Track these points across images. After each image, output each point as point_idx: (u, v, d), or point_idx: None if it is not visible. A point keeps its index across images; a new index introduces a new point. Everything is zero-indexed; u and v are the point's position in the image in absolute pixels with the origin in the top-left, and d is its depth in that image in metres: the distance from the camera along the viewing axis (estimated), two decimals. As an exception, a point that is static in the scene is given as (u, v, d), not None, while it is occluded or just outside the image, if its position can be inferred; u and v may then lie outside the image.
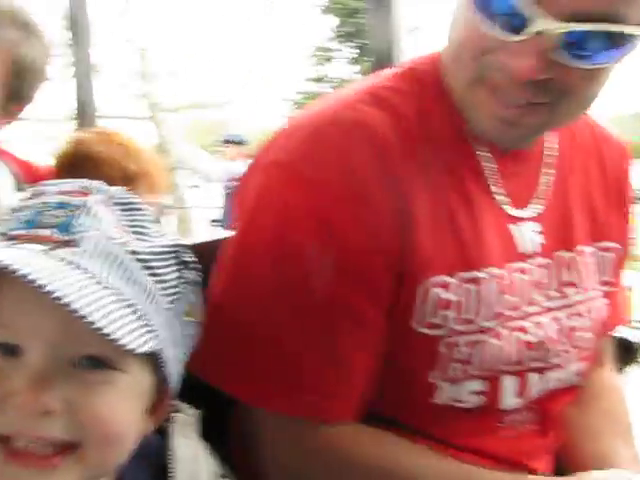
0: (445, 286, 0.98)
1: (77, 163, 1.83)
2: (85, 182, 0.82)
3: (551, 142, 1.13)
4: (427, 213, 0.98)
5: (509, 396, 1.07)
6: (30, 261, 0.68)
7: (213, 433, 0.96)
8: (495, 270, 1.02)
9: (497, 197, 1.05)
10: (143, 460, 0.83)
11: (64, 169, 1.84)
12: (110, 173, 1.80)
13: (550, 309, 1.09)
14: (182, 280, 0.83)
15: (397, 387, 1.00)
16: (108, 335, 0.68)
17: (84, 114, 2.35)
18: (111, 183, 1.77)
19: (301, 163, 0.98)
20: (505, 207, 1.06)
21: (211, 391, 0.98)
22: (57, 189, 0.79)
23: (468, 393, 1.04)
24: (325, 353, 0.96)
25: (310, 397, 0.96)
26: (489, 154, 1.05)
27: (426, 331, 0.98)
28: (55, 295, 0.66)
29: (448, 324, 0.99)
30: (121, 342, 0.69)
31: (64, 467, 0.72)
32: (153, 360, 0.77)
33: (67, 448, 0.72)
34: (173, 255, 0.82)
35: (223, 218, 7.76)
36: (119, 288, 0.73)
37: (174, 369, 0.81)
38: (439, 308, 0.98)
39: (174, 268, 0.82)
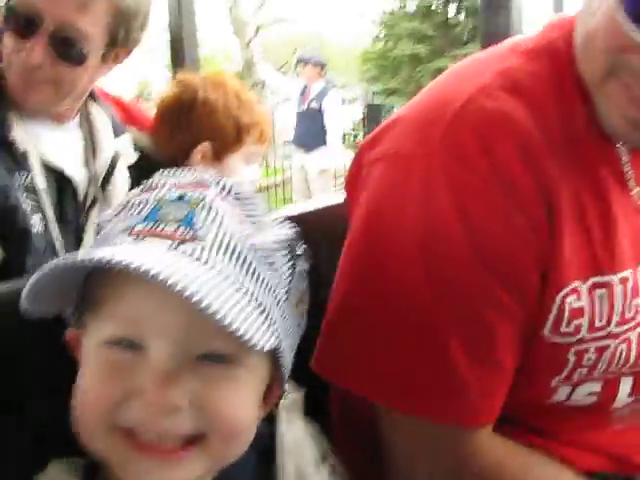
0: (577, 293, 0.93)
1: (186, 108, 1.80)
2: (200, 175, 0.80)
3: None
4: (566, 214, 0.92)
5: (623, 396, 1.03)
6: (159, 259, 0.67)
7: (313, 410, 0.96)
8: (626, 273, 0.96)
9: (632, 191, 0.98)
10: (250, 445, 0.83)
11: (170, 112, 1.82)
12: (225, 122, 1.79)
13: None
14: (295, 271, 0.82)
15: (514, 389, 0.96)
16: (239, 333, 0.67)
17: (182, 47, 2.30)
18: (223, 131, 1.79)
19: (442, 156, 0.90)
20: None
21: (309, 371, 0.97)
22: (174, 182, 0.78)
23: (585, 395, 1.00)
24: (484, 354, 0.91)
25: (469, 402, 0.92)
26: (623, 146, 0.97)
27: (557, 340, 0.94)
28: (187, 294, 0.65)
29: (580, 332, 0.94)
30: (251, 341, 0.68)
31: (189, 459, 0.72)
32: (270, 352, 0.77)
33: (193, 440, 0.72)
34: (287, 246, 0.80)
35: (294, 138, 7.80)
36: (244, 283, 0.72)
37: (288, 360, 0.81)
38: (572, 317, 0.93)
39: (288, 259, 0.80)
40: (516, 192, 0.89)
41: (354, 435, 1.06)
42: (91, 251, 0.72)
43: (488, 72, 0.96)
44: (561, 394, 0.99)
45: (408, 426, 0.95)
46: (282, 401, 0.90)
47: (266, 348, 0.71)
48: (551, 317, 0.93)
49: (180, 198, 0.75)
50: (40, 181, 1.51)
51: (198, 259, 0.70)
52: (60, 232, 1.51)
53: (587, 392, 1.01)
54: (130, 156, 1.71)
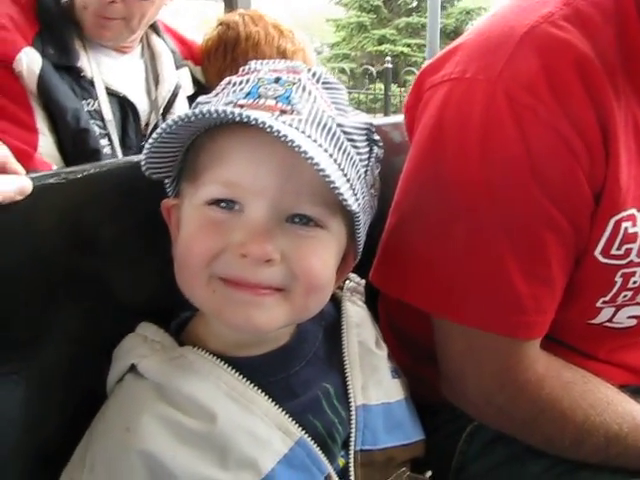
0: (633, 220, 0.96)
1: (231, 44, 1.87)
2: (292, 63, 0.87)
3: None
4: (623, 144, 0.94)
5: None
6: (268, 122, 0.73)
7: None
8: None
9: None
10: (318, 320, 0.90)
11: (216, 51, 1.89)
12: (269, 52, 1.86)
13: None
14: (372, 155, 0.88)
15: (560, 308, 0.99)
16: (337, 190, 0.74)
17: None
18: (269, 59, 1.84)
19: (505, 81, 0.92)
20: None
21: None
22: (269, 68, 0.85)
23: (626, 317, 1.04)
24: (538, 271, 0.94)
25: (524, 317, 0.95)
26: None
27: (607, 261, 0.97)
28: (301, 150, 0.72)
29: (630, 256, 0.97)
30: (345, 200, 0.76)
31: (275, 302, 0.79)
32: (348, 223, 0.84)
33: (276, 291, 0.79)
34: (366, 132, 0.86)
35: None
36: (334, 154, 0.79)
37: (363, 233, 0.87)
38: (625, 241, 0.96)
39: (367, 143, 0.87)
40: (575, 117, 0.92)
41: (402, 344, 1.11)
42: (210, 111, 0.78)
43: (552, 1, 0.98)
44: (604, 315, 1.03)
45: (462, 335, 0.99)
46: (346, 283, 0.98)
47: (354, 208, 0.78)
48: (603, 239, 0.96)
49: (277, 80, 0.82)
50: (106, 108, 1.59)
51: (297, 129, 0.76)
52: (123, 155, 1.60)
53: (629, 315, 1.04)
54: (189, 88, 1.79)
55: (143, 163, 0.82)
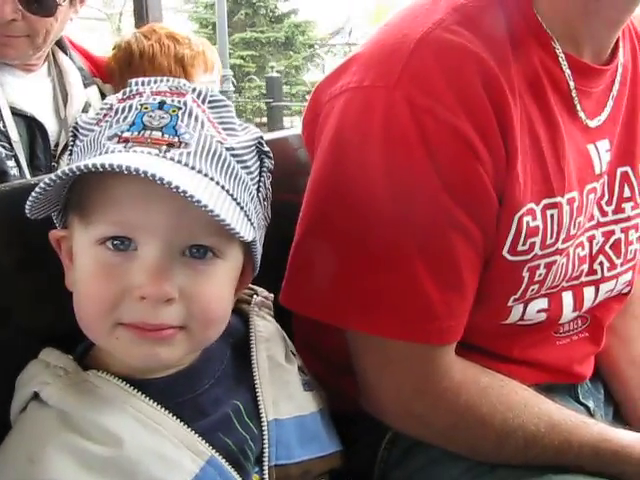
0: (533, 214, 0.98)
1: (126, 63, 1.86)
2: (176, 82, 0.84)
3: (622, 55, 1.10)
4: (520, 140, 0.96)
5: (568, 311, 1.10)
6: (153, 165, 0.72)
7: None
8: (573, 194, 1.02)
9: (579, 115, 1.04)
10: (226, 338, 0.89)
11: (113, 72, 1.88)
12: (167, 63, 1.84)
13: (604, 223, 1.11)
14: (262, 169, 0.87)
15: (472, 311, 1.00)
16: (228, 227, 0.74)
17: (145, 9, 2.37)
18: (169, 72, 1.83)
19: (404, 86, 0.92)
20: (586, 125, 1.05)
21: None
22: (151, 90, 0.82)
23: (535, 312, 1.06)
24: (449, 276, 0.95)
25: (437, 323, 0.95)
26: (570, 70, 1.03)
27: (514, 258, 0.99)
28: (187, 195, 0.70)
29: (534, 250, 0.99)
30: (238, 233, 0.75)
31: (178, 340, 0.79)
32: (245, 244, 0.83)
33: (178, 329, 0.79)
34: (255, 146, 0.86)
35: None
36: (225, 184, 0.78)
37: (259, 249, 0.87)
38: (528, 236, 0.98)
39: (256, 158, 0.86)
40: (477, 118, 0.93)
41: (318, 357, 1.10)
42: (89, 159, 0.76)
43: (441, 8, 1.00)
44: (515, 314, 1.05)
45: (377, 346, 0.98)
46: (254, 298, 0.97)
47: (249, 239, 0.78)
48: (510, 237, 0.97)
49: (161, 105, 0.79)
50: (12, 129, 1.54)
51: (186, 164, 0.75)
52: (32, 177, 1.56)
53: (537, 309, 1.07)
54: (98, 106, 1.75)
55: (28, 211, 0.79)
